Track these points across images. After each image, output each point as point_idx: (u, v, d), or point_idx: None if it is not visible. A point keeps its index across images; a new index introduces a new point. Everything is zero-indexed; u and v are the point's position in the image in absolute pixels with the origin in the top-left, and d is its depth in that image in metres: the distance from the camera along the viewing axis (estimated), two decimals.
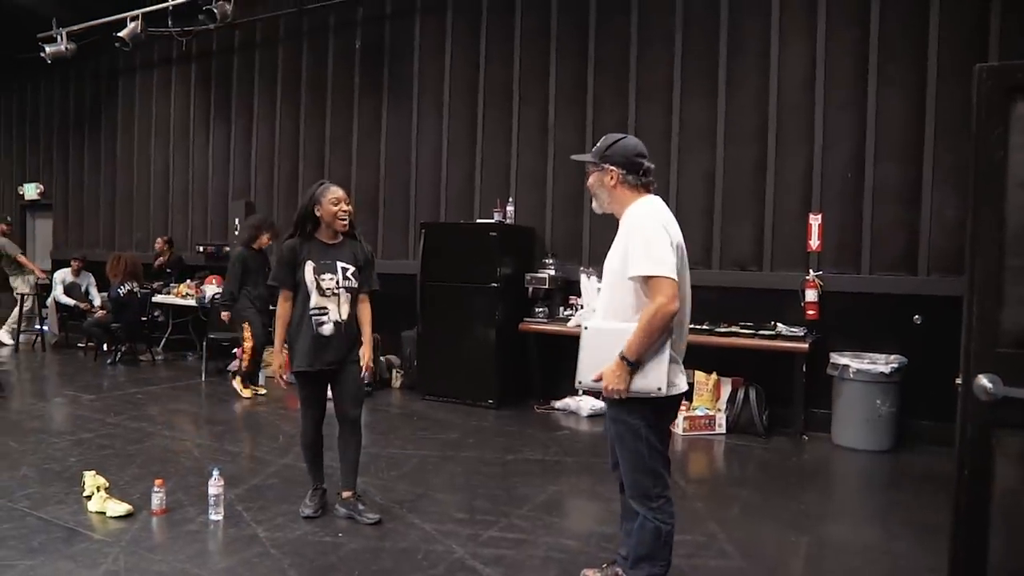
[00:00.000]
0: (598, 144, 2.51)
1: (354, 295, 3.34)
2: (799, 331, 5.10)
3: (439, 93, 6.72)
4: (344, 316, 3.31)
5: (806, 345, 4.91)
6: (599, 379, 2.40)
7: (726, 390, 5.31)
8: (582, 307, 6.25)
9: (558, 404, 5.68)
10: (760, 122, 5.46)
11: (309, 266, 3.26)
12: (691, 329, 5.30)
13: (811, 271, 5.22)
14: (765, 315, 5.35)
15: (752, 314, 5.38)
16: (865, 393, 4.81)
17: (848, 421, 4.90)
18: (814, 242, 5.28)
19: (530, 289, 5.88)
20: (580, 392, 5.61)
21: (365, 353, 3.35)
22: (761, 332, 5.14)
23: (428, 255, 5.89)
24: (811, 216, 5.31)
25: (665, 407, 2.46)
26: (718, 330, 5.23)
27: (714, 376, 5.28)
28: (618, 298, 2.42)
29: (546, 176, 6.23)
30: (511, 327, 5.82)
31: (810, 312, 5.18)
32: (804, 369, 4.97)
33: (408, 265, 6.65)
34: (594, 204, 2.51)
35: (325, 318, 3.28)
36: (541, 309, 5.81)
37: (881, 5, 4.98)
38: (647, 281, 2.34)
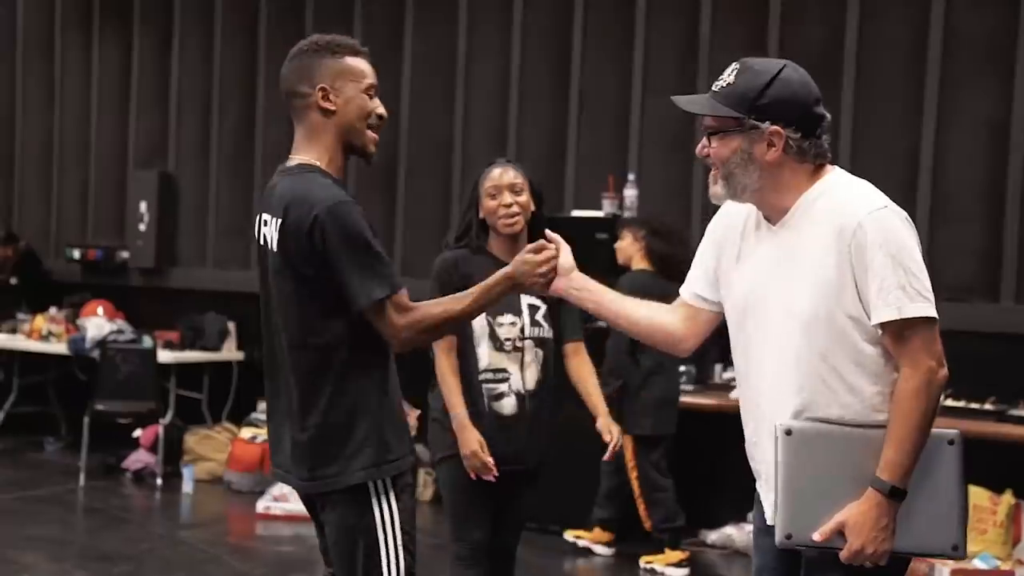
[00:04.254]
0: (732, 79, 2.31)
1: (548, 351, 3.43)
2: None
3: None
4: (532, 386, 3.38)
5: None
6: (834, 534, 2.23)
7: None
8: None
9: (712, 536, 5.72)
10: None
11: None
12: (959, 410, 4.87)
13: None
14: None
15: None
16: None
17: None
18: None
19: None
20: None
21: (601, 416, 3.49)
22: None
23: None
24: None
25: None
26: (1014, 414, 5.17)
27: (1008, 498, 5.18)
28: (821, 364, 2.27)
29: (693, 134, 6.12)
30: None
31: None
32: None
33: None
34: (718, 187, 2.35)
35: (504, 387, 3.37)
36: (684, 368, 5.83)
37: None
38: (907, 331, 2.21)
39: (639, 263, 5.29)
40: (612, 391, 5.18)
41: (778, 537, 2.26)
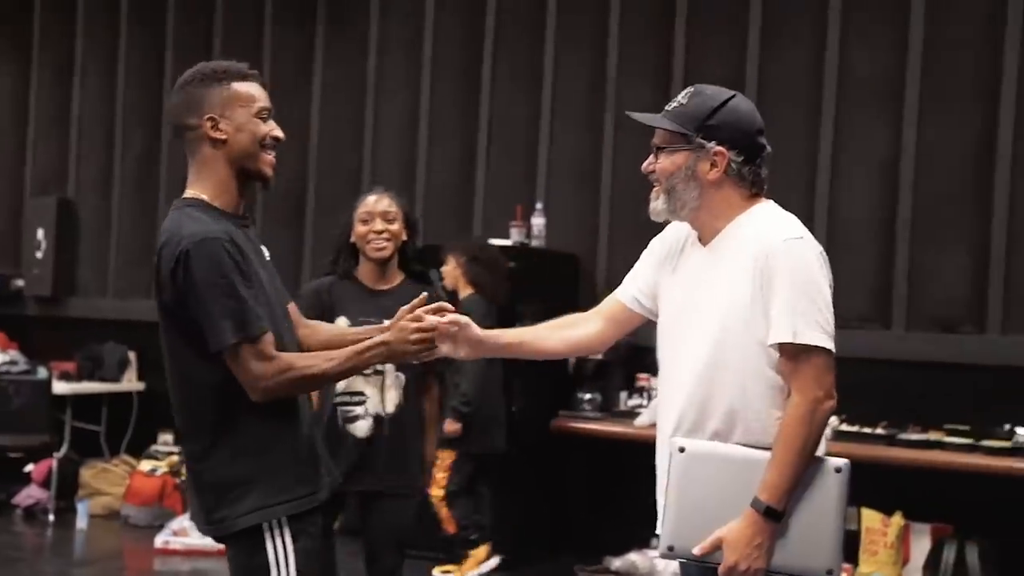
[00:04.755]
0: (685, 101, 2.44)
1: (412, 377, 3.51)
2: None
3: (419, 21, 6.89)
4: (391, 409, 3.47)
5: None
6: (713, 549, 2.32)
7: (922, 545, 5.24)
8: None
9: (617, 564, 5.64)
10: (985, 72, 5.48)
11: (341, 323, 3.38)
12: (852, 434, 5.29)
13: None
14: (991, 413, 5.26)
15: (966, 411, 5.31)
16: None
17: None
18: None
19: (571, 361, 5.92)
20: (656, 545, 5.53)
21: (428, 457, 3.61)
22: (986, 444, 5.08)
23: None
24: None
25: None
26: (903, 438, 5.22)
27: (898, 520, 5.21)
28: (726, 385, 2.36)
29: (600, 164, 6.34)
30: (537, 427, 5.85)
31: None
32: None
33: None
34: (658, 203, 2.46)
35: (360, 409, 3.46)
36: (590, 396, 5.87)
37: None
38: (801, 356, 2.29)
39: (464, 288, 5.39)
40: (461, 415, 5.25)
41: (660, 548, 2.35)
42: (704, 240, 2.44)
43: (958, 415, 5.25)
